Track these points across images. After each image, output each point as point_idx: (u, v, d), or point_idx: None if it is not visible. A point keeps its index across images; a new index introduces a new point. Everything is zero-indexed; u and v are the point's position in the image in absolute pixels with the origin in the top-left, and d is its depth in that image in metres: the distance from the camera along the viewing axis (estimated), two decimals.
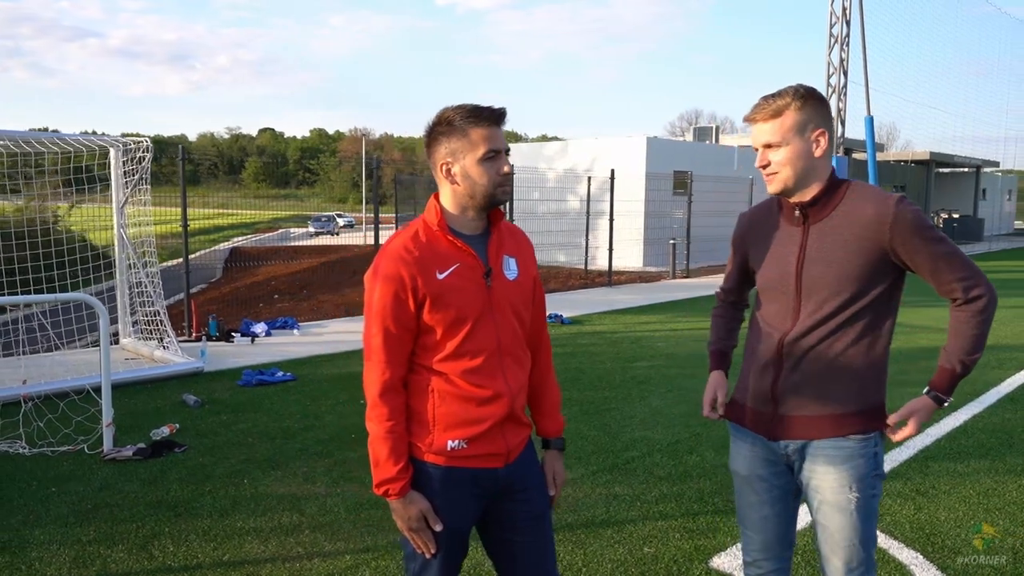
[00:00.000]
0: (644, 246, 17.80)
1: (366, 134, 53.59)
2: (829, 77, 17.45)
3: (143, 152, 7.19)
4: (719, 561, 3.49)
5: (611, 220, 14.77)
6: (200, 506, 4.05)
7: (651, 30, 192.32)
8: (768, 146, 1.99)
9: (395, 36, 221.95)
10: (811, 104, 1.96)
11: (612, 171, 14.89)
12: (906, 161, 31.24)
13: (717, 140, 24.84)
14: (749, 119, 2.02)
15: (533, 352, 2.17)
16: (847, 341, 1.97)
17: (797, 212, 2.02)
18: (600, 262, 17.46)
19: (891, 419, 1.98)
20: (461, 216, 2.01)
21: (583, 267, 16.96)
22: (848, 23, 16.98)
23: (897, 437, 1.95)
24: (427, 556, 2.00)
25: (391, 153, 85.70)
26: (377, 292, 1.94)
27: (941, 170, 36.01)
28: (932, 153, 30.45)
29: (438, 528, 1.98)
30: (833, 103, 17.55)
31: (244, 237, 33.18)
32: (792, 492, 2.17)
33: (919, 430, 1.96)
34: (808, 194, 2.00)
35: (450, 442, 1.98)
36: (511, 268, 2.07)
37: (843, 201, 1.98)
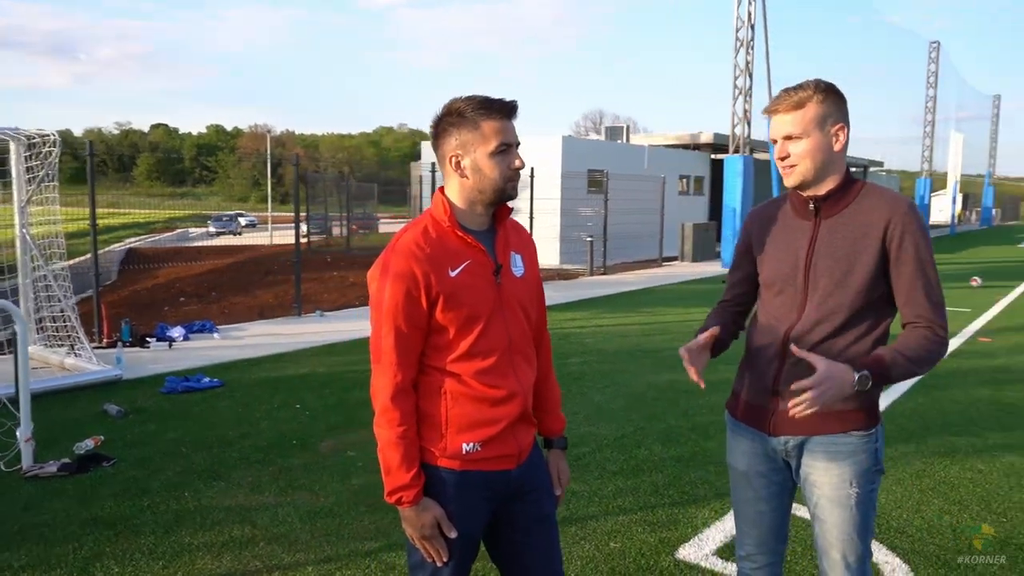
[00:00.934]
0: (561, 244, 17.98)
1: (270, 131, 51.93)
2: (736, 79, 18.08)
3: (49, 147, 6.72)
4: (685, 552, 3.54)
5: (531, 219, 14.84)
6: (141, 523, 3.81)
7: (555, 31, 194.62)
8: (788, 138, 1.98)
9: (295, 30, 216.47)
10: (832, 98, 1.96)
11: (532, 169, 14.94)
12: None
13: (628, 139, 25.39)
14: (770, 111, 2.01)
15: (536, 350, 2.13)
16: (851, 337, 1.98)
17: (811, 205, 2.03)
18: None
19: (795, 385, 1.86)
20: (469, 211, 1.95)
21: None
22: (753, 27, 17.64)
23: (792, 405, 1.82)
24: (438, 564, 1.93)
25: (293, 150, 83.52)
26: (388, 290, 1.86)
27: None
28: None
29: (452, 535, 1.92)
30: (739, 105, 18.22)
31: (139, 238, 31.66)
32: (788, 489, 2.19)
33: (816, 404, 1.81)
34: (823, 188, 2.01)
35: (464, 445, 1.92)
36: (518, 265, 2.04)
37: (857, 199, 2.00)
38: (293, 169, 10.03)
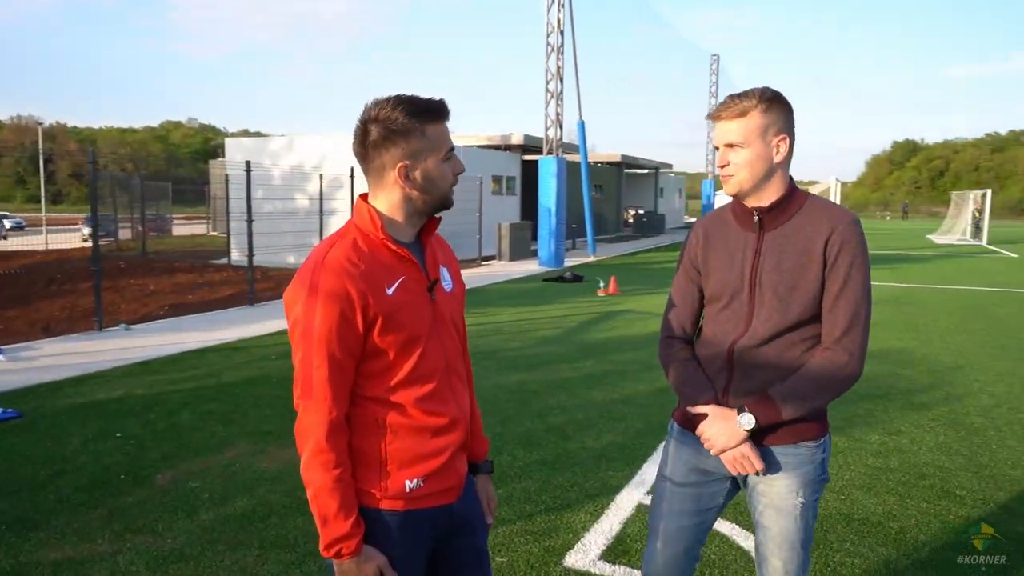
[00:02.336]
0: None
1: (40, 123, 46.48)
2: (548, 83, 18.62)
3: None
4: (572, 560, 3.51)
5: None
6: None
7: (345, 27, 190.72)
8: (730, 146, 1.96)
9: (59, 15, 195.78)
10: (776, 108, 1.94)
11: (352, 169, 14.49)
12: (602, 163, 34.46)
13: None
14: (714, 117, 1.98)
15: None
16: (799, 349, 1.98)
17: (756, 217, 2.01)
18: None
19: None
20: (404, 223, 1.77)
21: None
22: (563, 33, 18.26)
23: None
24: None
25: (66, 144, 75.48)
26: (319, 313, 1.63)
27: (629, 171, 40.32)
28: (623, 156, 33.93)
29: None
30: (552, 108, 18.78)
31: None
32: (717, 505, 2.18)
33: (708, 443, 2.02)
34: (765, 199, 2.00)
35: (408, 482, 1.74)
36: (447, 279, 1.88)
37: (800, 211, 1.99)
38: (90, 167, 8.95)
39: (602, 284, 13.76)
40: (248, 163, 11.46)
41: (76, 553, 3.54)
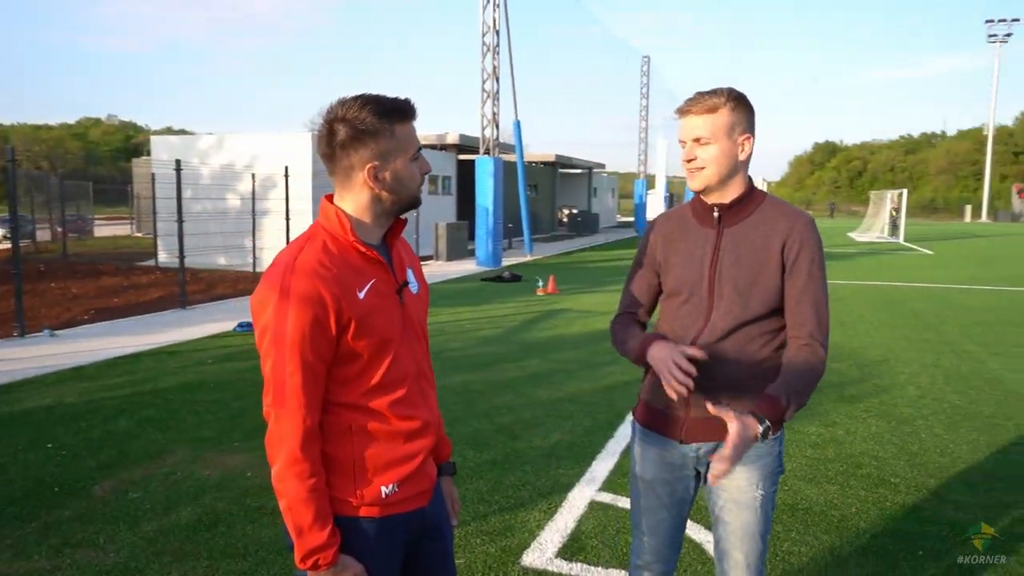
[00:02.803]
0: None
1: None
2: (484, 83, 18.61)
3: None
4: (529, 559, 3.53)
5: (287, 219, 14.12)
6: None
7: (275, 24, 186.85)
8: (697, 140, 2.00)
9: None
10: (742, 108, 1.99)
11: (287, 168, 14.22)
12: (537, 162, 34.66)
13: None
14: (683, 112, 2.01)
15: None
16: (757, 343, 2.02)
17: (715, 212, 2.05)
18: (266, 264, 16.55)
19: (713, 458, 1.91)
20: (372, 224, 1.75)
21: (251, 270, 15.96)
22: (498, 33, 18.28)
23: (713, 475, 1.84)
24: None
25: None
26: (292, 318, 1.59)
27: (563, 171, 40.66)
28: (557, 156, 34.19)
29: None
30: (488, 108, 18.78)
31: None
32: (689, 498, 2.23)
33: (735, 461, 1.84)
34: (727, 196, 2.04)
35: (383, 488, 1.72)
36: (413, 281, 1.86)
37: (759, 209, 2.05)
38: (9, 165, 8.53)
39: (541, 283, 13.84)
40: (178, 162, 11.12)
41: (11, 570, 3.37)
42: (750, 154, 2.04)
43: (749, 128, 2.02)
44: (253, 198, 15.48)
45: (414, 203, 1.77)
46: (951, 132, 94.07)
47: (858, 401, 6.23)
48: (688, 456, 2.14)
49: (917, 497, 4.26)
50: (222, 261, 16.74)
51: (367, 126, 1.65)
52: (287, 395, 1.61)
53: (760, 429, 1.85)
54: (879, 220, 37.95)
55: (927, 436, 5.36)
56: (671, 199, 50.39)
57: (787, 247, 1.99)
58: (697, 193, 2.09)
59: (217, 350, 8.14)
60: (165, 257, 16.97)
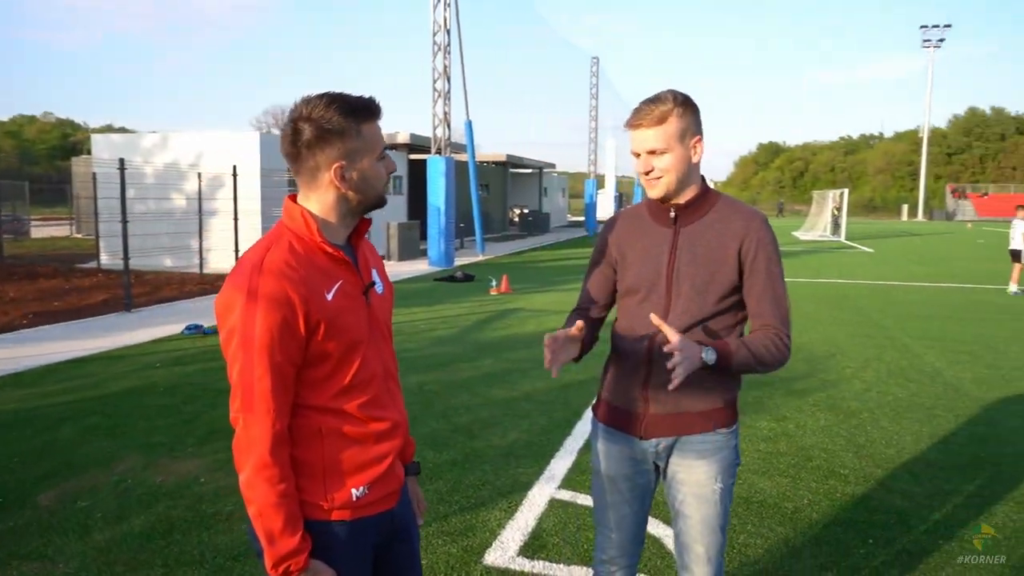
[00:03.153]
0: None
1: None
2: (435, 82, 18.53)
3: None
4: (491, 558, 3.54)
5: (236, 219, 13.85)
6: None
7: (220, 21, 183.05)
8: (652, 152, 2.01)
9: None
10: (689, 111, 2.01)
11: (235, 167, 13.93)
12: (488, 162, 34.66)
13: None
14: (633, 125, 2.02)
15: None
16: (714, 338, 2.05)
17: (672, 213, 2.08)
18: (214, 265, 16.27)
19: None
20: (337, 224, 1.73)
21: (197, 271, 15.62)
22: (449, 33, 18.23)
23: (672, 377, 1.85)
24: None
25: None
26: (260, 319, 1.57)
27: (514, 171, 40.75)
28: (508, 155, 34.24)
29: None
30: (440, 107, 18.71)
31: None
32: (650, 491, 2.26)
33: (681, 371, 1.86)
34: (683, 198, 2.07)
35: (354, 491, 1.71)
36: (378, 281, 1.85)
37: (714, 208, 2.08)
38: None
39: (494, 283, 13.86)
40: (122, 161, 10.81)
41: None
42: (701, 155, 2.07)
43: (698, 130, 2.05)
44: (200, 198, 15.15)
45: (380, 203, 1.76)
46: (888, 134, 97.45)
47: (807, 395, 6.40)
48: (648, 451, 2.17)
49: (866, 487, 4.39)
50: (168, 263, 16.35)
51: (333, 125, 1.63)
52: (255, 399, 1.58)
53: (703, 354, 1.91)
54: (821, 219, 38.93)
55: (873, 428, 5.53)
56: (621, 199, 50.95)
57: (744, 247, 2.03)
58: (660, 200, 2.11)
59: (165, 354, 7.95)
60: (107, 259, 16.50)
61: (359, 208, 1.74)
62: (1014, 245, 14.31)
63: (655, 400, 2.10)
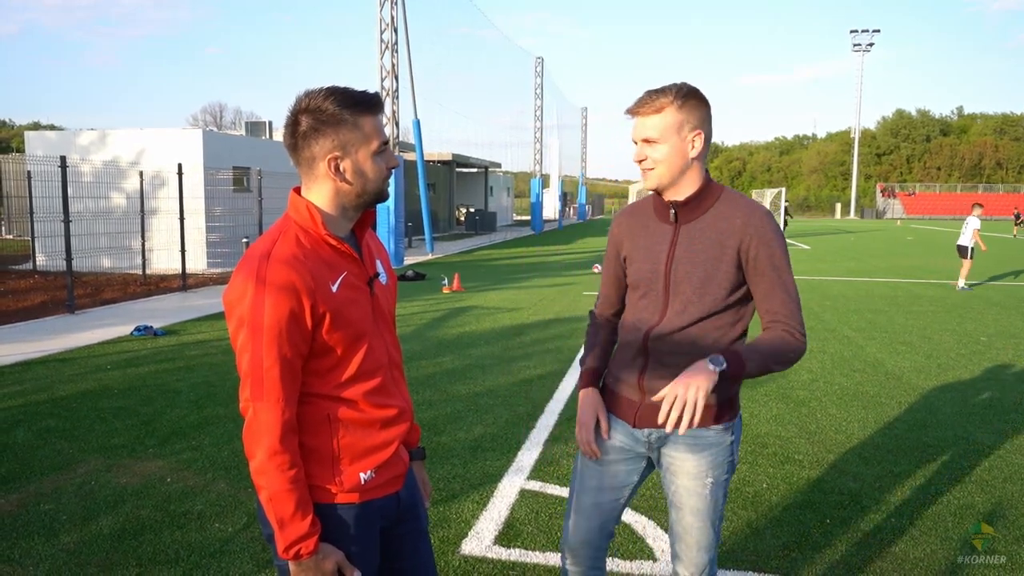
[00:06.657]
0: (208, 247, 16.68)
1: None
2: (383, 80, 18.44)
3: None
4: (468, 548, 3.61)
5: (181, 219, 13.54)
6: None
7: (155, 17, 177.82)
8: (647, 141, 2.03)
9: None
10: (691, 104, 2.00)
11: (180, 165, 13.62)
12: (434, 161, 34.58)
13: (271, 136, 24.35)
14: (632, 112, 2.04)
15: None
16: (712, 336, 2.06)
17: (672, 211, 2.11)
18: (156, 266, 15.89)
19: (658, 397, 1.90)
20: (339, 217, 1.77)
21: (140, 272, 15.23)
22: (396, 31, 18.15)
23: (670, 425, 1.85)
24: None
25: None
26: (268, 307, 1.60)
27: (460, 170, 40.75)
28: (454, 154, 34.23)
29: None
30: (388, 106, 18.61)
31: None
32: (632, 483, 2.28)
33: (688, 404, 1.84)
34: (682, 193, 2.07)
35: (362, 475, 1.77)
36: (382, 272, 1.91)
37: (715, 205, 2.06)
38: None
39: (446, 281, 13.88)
40: (63, 158, 10.50)
41: None
42: (703, 149, 2.04)
43: (700, 124, 2.02)
44: (142, 197, 14.76)
45: (379, 197, 1.78)
46: (821, 134, 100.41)
47: (759, 386, 6.62)
48: (639, 440, 2.20)
49: (819, 471, 4.60)
50: (107, 264, 15.91)
51: (328, 116, 1.66)
52: (266, 388, 1.61)
53: (709, 364, 1.88)
54: None
55: (822, 416, 5.77)
56: (565, 198, 51.36)
57: (744, 244, 2.02)
58: (653, 191, 2.15)
59: (116, 355, 7.78)
60: (44, 260, 15.96)
61: (358, 201, 1.76)
62: (962, 241, 14.34)
63: (650, 391, 2.12)
